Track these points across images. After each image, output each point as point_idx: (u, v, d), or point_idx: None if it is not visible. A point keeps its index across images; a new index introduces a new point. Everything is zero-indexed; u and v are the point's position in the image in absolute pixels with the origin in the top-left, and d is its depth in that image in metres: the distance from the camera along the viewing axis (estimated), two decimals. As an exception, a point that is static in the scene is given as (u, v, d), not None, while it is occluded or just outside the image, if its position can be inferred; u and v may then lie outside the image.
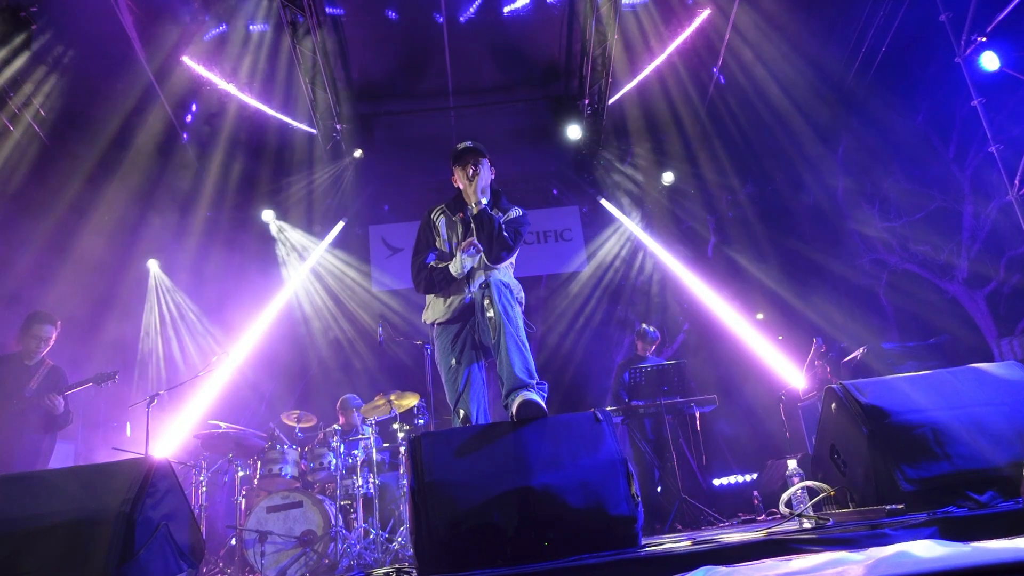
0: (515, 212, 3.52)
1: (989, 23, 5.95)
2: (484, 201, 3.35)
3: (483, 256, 3.30)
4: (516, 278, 3.51)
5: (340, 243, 9.15)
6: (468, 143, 3.47)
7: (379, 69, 8.25)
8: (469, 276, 3.34)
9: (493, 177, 3.56)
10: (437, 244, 3.51)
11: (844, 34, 7.88)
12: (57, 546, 2.45)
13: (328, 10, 7.44)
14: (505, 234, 3.30)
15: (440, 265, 3.39)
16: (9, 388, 4.62)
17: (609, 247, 9.60)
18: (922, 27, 6.86)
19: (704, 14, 7.72)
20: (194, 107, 8.29)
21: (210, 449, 5.68)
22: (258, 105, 8.22)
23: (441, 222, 3.52)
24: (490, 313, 3.00)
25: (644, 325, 6.94)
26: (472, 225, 3.34)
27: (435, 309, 3.44)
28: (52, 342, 4.85)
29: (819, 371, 6.84)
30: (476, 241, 3.28)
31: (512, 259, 3.50)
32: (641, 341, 6.82)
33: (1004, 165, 5.82)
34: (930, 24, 6.47)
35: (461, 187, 3.45)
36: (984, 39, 5.93)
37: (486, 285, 3.09)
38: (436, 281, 3.37)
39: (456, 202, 3.54)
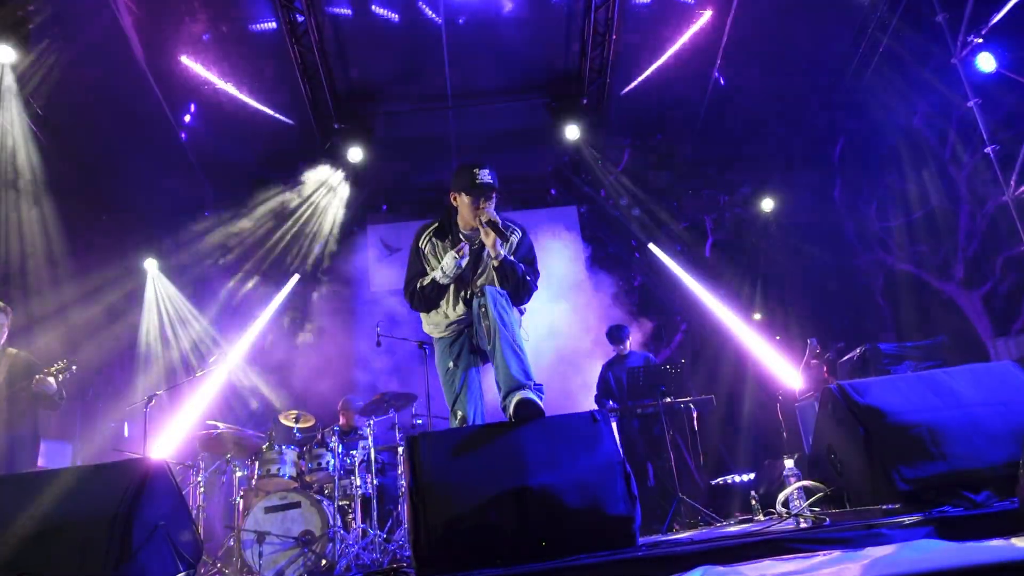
0: (516, 236, 3.34)
1: (986, 24, 5.97)
2: (503, 251, 3.18)
3: (494, 276, 3.21)
4: None
5: (339, 242, 9.15)
6: (488, 177, 3.17)
7: (378, 69, 8.25)
8: (470, 290, 3.29)
9: None
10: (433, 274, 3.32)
11: (841, 34, 7.89)
12: (55, 546, 2.45)
13: (327, 10, 7.43)
14: (528, 278, 3.26)
15: (427, 281, 3.28)
16: None
17: (607, 246, 9.60)
18: (919, 28, 6.88)
19: (705, 15, 7.71)
20: (192, 107, 8.28)
21: (208, 449, 5.68)
22: (257, 105, 8.21)
23: (429, 251, 3.34)
24: (486, 321, 3.03)
25: (611, 328, 6.94)
26: (493, 270, 3.20)
27: (435, 325, 3.45)
28: (7, 329, 4.73)
29: (816, 371, 6.85)
30: (467, 250, 3.22)
31: None
32: (613, 342, 6.82)
33: (1000, 166, 5.84)
34: (927, 24, 6.48)
35: (460, 211, 3.26)
36: (981, 40, 5.95)
37: (481, 293, 3.11)
38: (428, 295, 3.29)
39: (446, 228, 3.33)
